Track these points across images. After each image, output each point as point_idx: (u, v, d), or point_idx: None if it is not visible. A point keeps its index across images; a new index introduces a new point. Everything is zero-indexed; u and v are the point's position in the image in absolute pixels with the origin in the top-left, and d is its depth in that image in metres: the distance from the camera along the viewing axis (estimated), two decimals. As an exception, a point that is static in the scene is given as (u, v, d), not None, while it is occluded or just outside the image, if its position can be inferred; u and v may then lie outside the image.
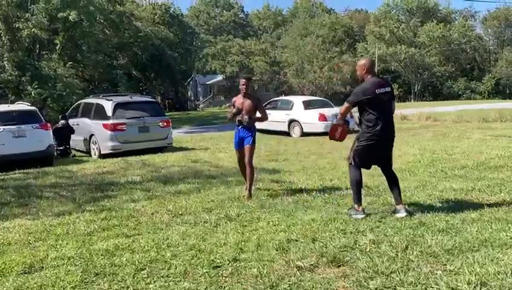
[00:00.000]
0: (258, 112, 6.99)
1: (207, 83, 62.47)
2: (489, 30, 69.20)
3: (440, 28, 58.71)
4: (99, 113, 13.39)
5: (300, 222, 5.29)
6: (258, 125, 20.11)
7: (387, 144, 5.59)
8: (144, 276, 3.97)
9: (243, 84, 6.77)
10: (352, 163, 5.65)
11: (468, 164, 8.69)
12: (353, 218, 5.34)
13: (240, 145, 6.88)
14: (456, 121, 19.65)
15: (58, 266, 4.29)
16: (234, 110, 6.80)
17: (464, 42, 60.87)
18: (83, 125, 14.07)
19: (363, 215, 5.38)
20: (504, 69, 58.96)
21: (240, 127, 6.83)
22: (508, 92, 59.61)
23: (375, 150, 5.53)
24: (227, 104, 56.86)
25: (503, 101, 43.85)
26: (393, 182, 5.63)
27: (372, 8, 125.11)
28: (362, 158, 5.59)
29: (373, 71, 5.57)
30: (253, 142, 6.80)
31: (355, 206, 5.50)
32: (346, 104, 5.59)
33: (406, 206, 5.53)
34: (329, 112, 17.10)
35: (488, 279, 3.57)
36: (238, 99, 6.83)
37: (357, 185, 5.56)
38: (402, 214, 5.34)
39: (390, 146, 5.63)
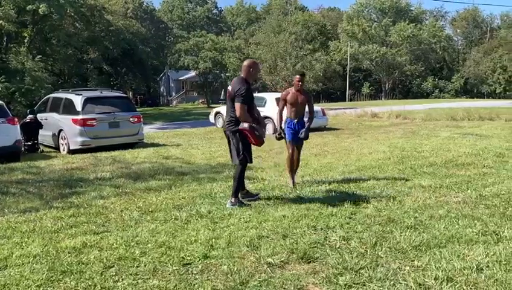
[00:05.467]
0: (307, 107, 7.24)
1: (180, 78, 62.00)
2: (458, 30, 70.70)
3: (411, 28, 59.69)
4: (68, 108, 13.11)
5: (272, 219, 5.30)
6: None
7: (227, 138, 6.16)
8: (112, 274, 3.91)
9: (298, 80, 7.00)
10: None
11: (436, 161, 8.85)
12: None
13: (294, 137, 7.08)
14: (425, 119, 20.00)
15: (23, 264, 4.18)
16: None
17: (434, 42, 62.03)
18: (51, 120, 13.76)
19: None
20: (472, 69, 60.36)
21: (295, 121, 7.06)
22: (475, 91, 61.05)
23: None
24: (200, 101, 56.59)
25: (471, 100, 44.95)
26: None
27: (345, 6, 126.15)
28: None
29: (244, 72, 6.03)
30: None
31: (234, 199, 6.01)
32: None
33: (233, 199, 6.01)
34: (301, 109, 17.13)
35: (454, 274, 3.65)
36: (292, 93, 7.05)
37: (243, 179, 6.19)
38: (228, 205, 5.96)
39: (228, 139, 6.16)
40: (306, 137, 7.03)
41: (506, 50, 57.58)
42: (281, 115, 7.27)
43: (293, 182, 7.08)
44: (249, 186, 7.21)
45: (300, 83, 7.01)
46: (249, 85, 6.00)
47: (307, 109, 7.18)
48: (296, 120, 7.08)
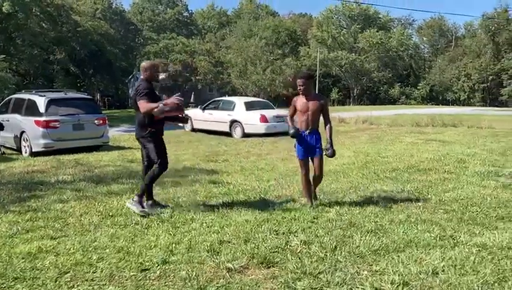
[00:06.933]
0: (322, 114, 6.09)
1: (149, 81, 61.31)
2: (424, 38, 72.34)
3: (379, 35, 60.75)
4: (31, 109, 12.80)
5: (234, 223, 5.27)
6: (198, 125, 19.62)
7: (140, 144, 6.03)
8: (66, 280, 3.81)
9: (301, 85, 5.92)
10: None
11: (399, 166, 8.99)
12: (132, 207, 5.74)
13: (307, 154, 6.06)
14: (390, 125, 20.34)
15: (-27, 270, 4.03)
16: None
17: (402, 50, 63.29)
18: (13, 121, 13.40)
19: (138, 208, 5.75)
20: (437, 76, 61.82)
21: (306, 132, 6.00)
22: (441, 98, 62.52)
23: None
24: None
25: (436, 107, 46.05)
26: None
27: (315, 12, 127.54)
28: None
29: (142, 73, 5.89)
30: (322, 150, 6.03)
31: (137, 197, 5.84)
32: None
33: (149, 202, 5.94)
34: (270, 113, 17.24)
35: (411, 279, 3.69)
36: (301, 99, 6.01)
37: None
38: (128, 204, 5.91)
39: (140, 143, 6.00)
40: (332, 154, 6.01)
41: (470, 58, 59.23)
42: (291, 118, 6.25)
43: (311, 201, 6.14)
44: (213, 190, 7.18)
45: (303, 87, 5.91)
46: (151, 85, 5.82)
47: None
48: (307, 131, 6.00)
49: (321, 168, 6.03)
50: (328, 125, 6.03)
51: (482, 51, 59.09)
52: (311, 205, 6.03)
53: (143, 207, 5.80)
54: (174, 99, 5.71)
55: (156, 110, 5.57)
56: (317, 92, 59.42)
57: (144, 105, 5.60)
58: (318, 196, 6.40)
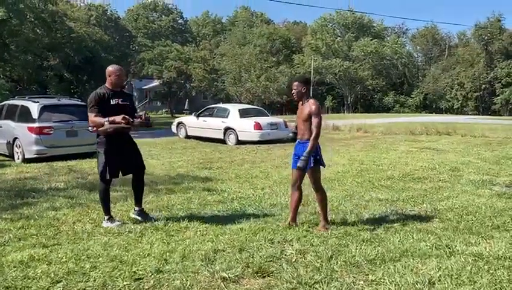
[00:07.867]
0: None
1: (143, 87, 61.32)
2: (418, 47, 72.74)
3: (374, 44, 61.02)
4: (24, 115, 12.70)
5: (229, 232, 5.24)
6: (192, 132, 19.48)
7: None
8: (58, 289, 3.75)
9: (294, 88, 5.44)
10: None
11: (394, 174, 8.99)
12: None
13: (293, 164, 5.54)
14: (385, 133, 20.36)
15: (-37, 279, 3.97)
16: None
17: (396, 58, 63.60)
18: (6, 127, 13.30)
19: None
20: (431, 85, 62.10)
21: (297, 142, 5.53)
22: (434, 106, 62.80)
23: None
24: (163, 110, 56.10)
25: (430, 115, 46.24)
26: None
27: (310, 21, 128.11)
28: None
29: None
30: (316, 162, 5.32)
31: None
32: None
33: (105, 217, 5.70)
34: (264, 120, 17.22)
35: (407, 289, 3.67)
36: (299, 106, 5.55)
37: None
38: (103, 224, 5.60)
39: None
40: (301, 166, 5.22)
41: (463, 67, 59.59)
42: None
43: (293, 218, 5.57)
44: (208, 198, 7.13)
45: (295, 90, 5.41)
46: (108, 90, 5.63)
47: None
48: (297, 140, 5.51)
49: (313, 182, 5.41)
50: (314, 132, 5.18)
51: (475, 60, 59.43)
52: (293, 224, 5.49)
53: (112, 222, 5.61)
54: (120, 119, 5.42)
55: (100, 128, 5.49)
56: (311, 99, 59.64)
57: (91, 119, 5.50)
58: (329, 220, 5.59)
